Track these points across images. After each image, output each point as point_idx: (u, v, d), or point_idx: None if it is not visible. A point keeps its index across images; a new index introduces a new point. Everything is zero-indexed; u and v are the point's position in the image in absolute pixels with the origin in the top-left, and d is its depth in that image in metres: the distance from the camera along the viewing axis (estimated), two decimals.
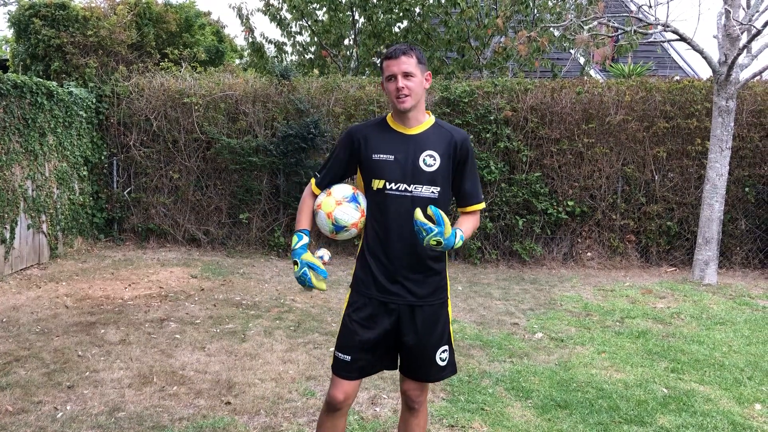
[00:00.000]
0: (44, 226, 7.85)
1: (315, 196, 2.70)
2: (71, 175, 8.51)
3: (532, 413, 3.87)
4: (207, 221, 9.30)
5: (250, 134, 9.09)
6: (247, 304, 6.24)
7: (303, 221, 2.69)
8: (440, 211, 2.39)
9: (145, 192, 9.34)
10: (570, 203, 8.73)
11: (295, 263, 2.57)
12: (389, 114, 2.68)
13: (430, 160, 2.56)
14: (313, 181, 2.74)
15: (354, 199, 2.61)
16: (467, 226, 2.64)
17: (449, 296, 2.71)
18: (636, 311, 6.36)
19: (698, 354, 5.04)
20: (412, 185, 2.54)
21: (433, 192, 2.56)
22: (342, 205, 2.59)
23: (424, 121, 2.63)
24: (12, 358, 4.56)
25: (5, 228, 7.03)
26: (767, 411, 3.99)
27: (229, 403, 3.90)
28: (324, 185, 2.69)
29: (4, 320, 5.49)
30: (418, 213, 2.38)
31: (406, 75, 2.51)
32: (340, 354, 2.62)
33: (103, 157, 9.27)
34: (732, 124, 7.68)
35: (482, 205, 2.73)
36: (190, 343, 5.00)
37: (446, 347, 2.68)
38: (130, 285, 6.86)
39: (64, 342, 4.92)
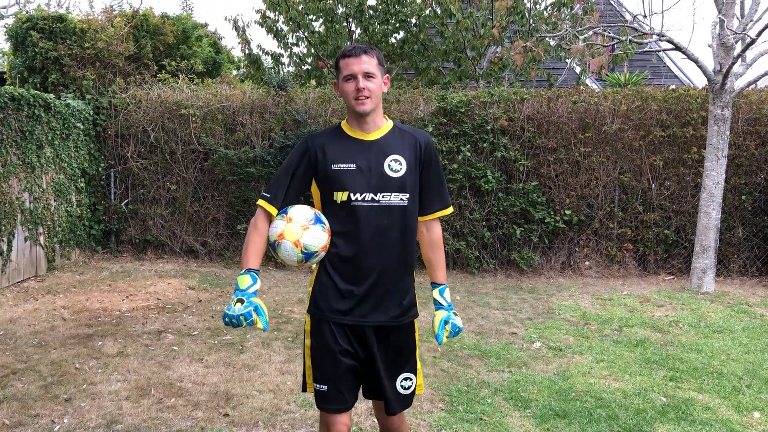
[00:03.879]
0: (41, 239, 7.84)
1: (268, 222, 2.37)
2: (68, 187, 8.50)
3: (531, 423, 3.86)
4: (204, 232, 9.29)
5: (248, 145, 9.10)
6: None
7: (252, 258, 2.33)
8: (442, 325, 2.43)
9: (142, 203, 9.34)
10: (567, 212, 8.74)
11: (241, 301, 2.23)
12: (344, 121, 2.46)
13: (396, 165, 2.34)
14: (263, 203, 2.38)
15: (318, 220, 2.34)
16: (441, 262, 2.51)
17: (418, 313, 2.53)
18: (634, 320, 6.36)
19: (696, 362, 5.04)
20: (379, 194, 2.32)
21: (402, 199, 2.35)
22: (309, 229, 2.29)
23: (383, 125, 2.42)
24: (9, 371, 4.54)
25: (2, 240, 7.01)
26: (766, 419, 3.98)
27: (227, 414, 3.89)
28: (281, 204, 2.37)
29: (1, 333, 5.47)
30: (442, 339, 2.44)
31: (367, 75, 2.30)
32: (318, 385, 2.37)
33: (100, 169, 9.27)
34: (728, 132, 7.71)
35: (450, 209, 2.51)
36: (187, 355, 4.98)
37: (411, 375, 2.47)
38: (127, 297, 6.85)
39: (61, 354, 4.91)
